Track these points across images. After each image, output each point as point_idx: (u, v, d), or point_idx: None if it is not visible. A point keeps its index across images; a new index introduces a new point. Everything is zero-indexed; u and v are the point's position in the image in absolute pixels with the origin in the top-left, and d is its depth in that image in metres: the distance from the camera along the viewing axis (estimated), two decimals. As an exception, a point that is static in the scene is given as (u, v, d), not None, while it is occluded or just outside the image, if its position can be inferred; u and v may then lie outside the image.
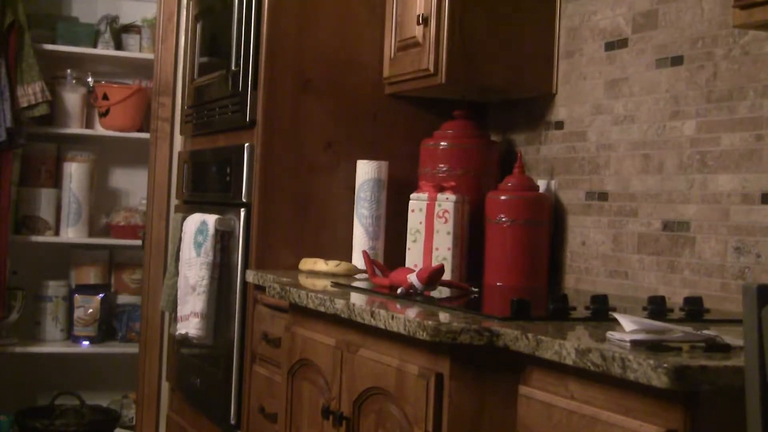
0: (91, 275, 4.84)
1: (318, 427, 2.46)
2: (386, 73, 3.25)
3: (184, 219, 3.55)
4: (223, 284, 3.31)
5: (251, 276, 3.11)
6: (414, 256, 2.97)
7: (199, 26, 3.85)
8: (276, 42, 3.20)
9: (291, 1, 3.22)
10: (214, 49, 3.65)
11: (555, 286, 2.95)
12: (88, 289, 4.78)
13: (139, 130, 4.82)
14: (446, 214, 2.94)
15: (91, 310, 4.72)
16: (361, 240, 3.14)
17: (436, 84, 3.00)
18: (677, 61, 2.57)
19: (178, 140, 4.25)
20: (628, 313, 2.00)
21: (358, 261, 3.14)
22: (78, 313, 4.72)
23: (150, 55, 4.68)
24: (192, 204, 3.78)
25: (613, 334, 1.76)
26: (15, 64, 4.44)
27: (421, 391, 2.00)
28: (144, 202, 4.66)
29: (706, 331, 1.75)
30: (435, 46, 2.96)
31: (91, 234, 4.77)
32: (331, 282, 2.76)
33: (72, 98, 4.76)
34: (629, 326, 1.74)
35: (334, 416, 2.33)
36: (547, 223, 2.92)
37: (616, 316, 1.85)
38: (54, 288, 4.75)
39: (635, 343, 1.68)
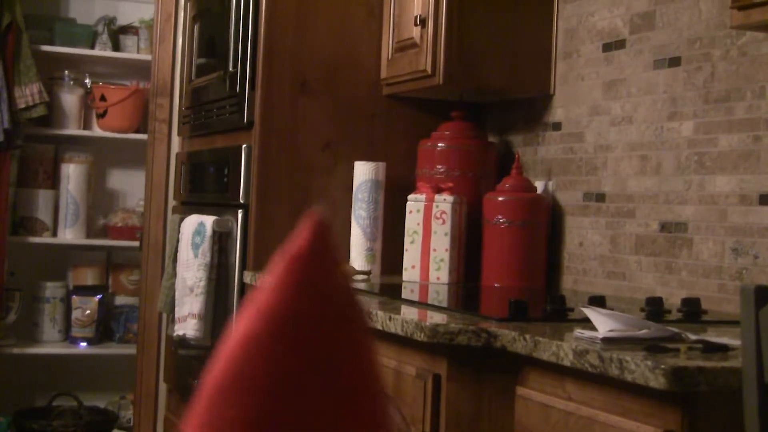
0: (88, 276, 4.84)
1: (316, 428, 2.45)
2: (384, 74, 3.25)
3: (181, 220, 3.55)
4: (221, 285, 3.31)
5: (249, 277, 3.11)
6: (412, 257, 2.97)
7: (196, 27, 3.85)
8: (273, 43, 3.20)
9: (288, 3, 3.22)
10: (211, 50, 3.64)
11: (553, 287, 2.95)
12: (86, 291, 4.77)
13: (137, 131, 4.81)
14: (444, 215, 2.94)
15: (88, 312, 4.72)
16: (358, 241, 3.14)
17: (434, 85, 3.00)
18: (675, 62, 2.57)
19: (176, 141, 4.24)
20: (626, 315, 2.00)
21: (356, 262, 3.13)
22: (76, 314, 4.71)
23: (147, 56, 4.67)
24: (190, 205, 3.77)
25: (582, 332, 1.76)
26: (12, 65, 4.43)
27: (419, 392, 2.00)
28: (141, 203, 4.65)
29: (671, 328, 1.77)
30: (432, 47, 2.96)
31: (88, 235, 4.77)
32: (329, 283, 2.76)
33: (69, 99, 4.76)
34: (600, 322, 1.75)
35: (332, 417, 2.33)
36: (545, 224, 2.92)
37: (585, 311, 1.85)
38: (52, 289, 4.75)
39: (607, 341, 1.70)
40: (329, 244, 0.77)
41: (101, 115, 4.78)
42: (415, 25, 3.02)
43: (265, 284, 0.76)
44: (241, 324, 0.75)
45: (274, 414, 0.72)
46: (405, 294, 2.60)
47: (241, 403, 0.73)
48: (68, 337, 4.75)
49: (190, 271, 3.34)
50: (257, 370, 0.73)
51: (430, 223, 2.95)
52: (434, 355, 1.99)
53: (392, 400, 2.11)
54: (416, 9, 3.03)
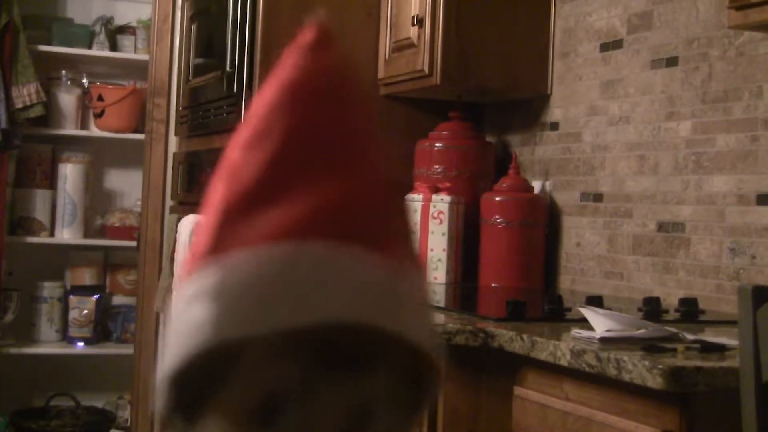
0: (86, 276, 4.83)
1: (313, 428, 2.45)
2: (381, 74, 3.25)
3: (179, 220, 3.55)
4: (219, 285, 3.30)
5: (246, 277, 3.10)
6: (409, 257, 2.96)
7: (194, 27, 3.85)
8: (271, 43, 3.20)
9: (286, 2, 3.22)
10: (209, 50, 3.64)
11: (550, 287, 2.95)
12: (84, 291, 4.77)
13: (135, 131, 4.81)
14: (441, 215, 2.94)
15: (86, 312, 4.72)
16: (356, 241, 3.14)
17: (431, 85, 3.00)
18: (672, 62, 2.57)
19: (173, 141, 4.24)
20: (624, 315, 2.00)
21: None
22: (73, 314, 4.71)
23: (145, 56, 4.67)
24: (187, 205, 3.77)
25: (580, 332, 1.76)
26: (10, 65, 4.43)
27: (417, 393, 2.00)
28: (139, 203, 4.65)
29: (669, 328, 1.77)
30: (430, 47, 2.96)
31: (86, 235, 4.76)
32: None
33: (67, 99, 4.76)
34: (597, 322, 1.75)
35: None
36: (543, 224, 2.92)
37: (582, 311, 1.85)
38: (49, 289, 4.74)
39: (604, 341, 1.70)
40: (334, 38, 0.85)
41: (99, 115, 4.78)
42: (413, 25, 3.02)
43: (278, 68, 0.83)
44: (259, 96, 0.82)
45: (289, 159, 0.78)
46: (403, 294, 2.59)
47: (257, 153, 0.78)
48: (66, 337, 4.75)
49: (188, 271, 3.34)
50: (274, 124, 0.79)
51: (427, 223, 2.95)
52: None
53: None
54: (414, 9, 3.03)
